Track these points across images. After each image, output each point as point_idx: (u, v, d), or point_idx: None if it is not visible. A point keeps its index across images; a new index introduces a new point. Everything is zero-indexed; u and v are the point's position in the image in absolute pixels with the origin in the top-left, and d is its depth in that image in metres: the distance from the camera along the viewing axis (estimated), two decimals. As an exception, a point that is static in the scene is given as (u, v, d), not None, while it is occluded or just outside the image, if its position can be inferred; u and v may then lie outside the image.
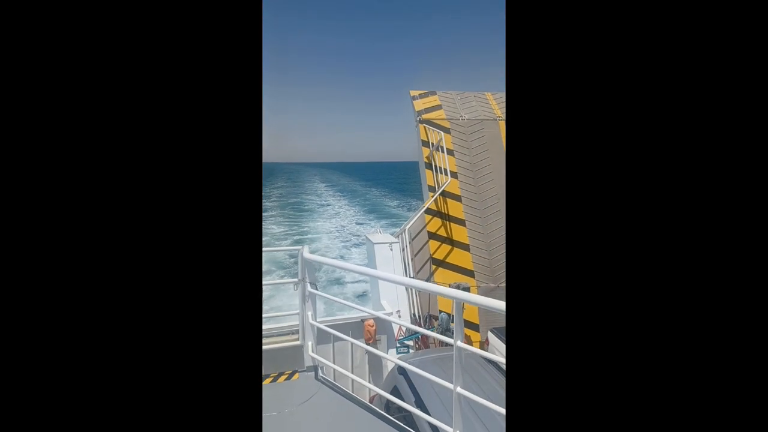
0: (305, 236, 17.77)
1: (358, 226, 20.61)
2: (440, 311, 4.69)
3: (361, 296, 10.14)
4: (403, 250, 4.57)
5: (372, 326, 3.74)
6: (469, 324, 4.74)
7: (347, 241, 16.81)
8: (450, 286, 4.78)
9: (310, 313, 2.71)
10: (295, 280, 2.72)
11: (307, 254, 2.68)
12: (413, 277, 4.58)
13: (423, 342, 4.10)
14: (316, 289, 2.72)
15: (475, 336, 4.69)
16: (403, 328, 4.04)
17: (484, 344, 4.25)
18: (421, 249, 5.10)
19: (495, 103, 6.30)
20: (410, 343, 4.00)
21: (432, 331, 4.06)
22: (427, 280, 4.91)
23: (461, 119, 5.94)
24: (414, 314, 4.25)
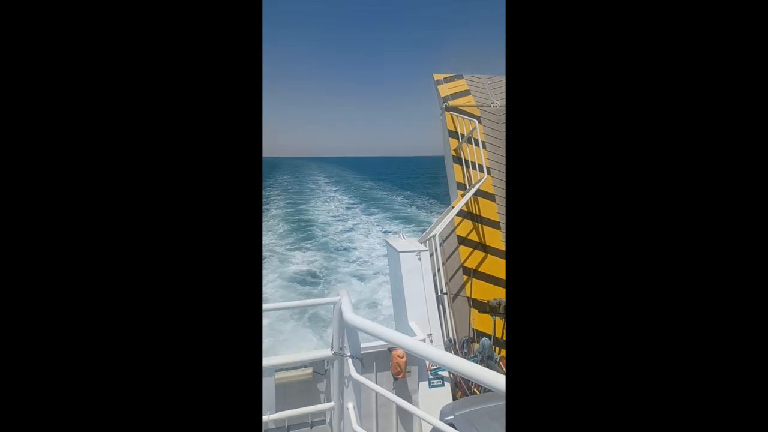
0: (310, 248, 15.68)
1: (368, 227, 19.58)
2: (475, 331, 3.99)
3: (378, 309, 9.34)
4: (432, 255, 3.84)
5: (402, 357, 3.03)
6: (506, 344, 4.05)
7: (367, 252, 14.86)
8: (488, 302, 4.07)
9: (352, 411, 1.78)
10: (327, 352, 1.89)
11: (349, 313, 1.74)
12: (444, 292, 3.87)
13: (460, 373, 3.41)
14: (362, 366, 1.79)
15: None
16: (437, 356, 3.35)
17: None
18: (450, 256, 4.38)
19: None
20: (445, 374, 3.30)
21: (474, 360, 3.37)
22: (458, 293, 4.21)
23: (493, 106, 5.20)
24: (449, 338, 3.54)
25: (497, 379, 1.15)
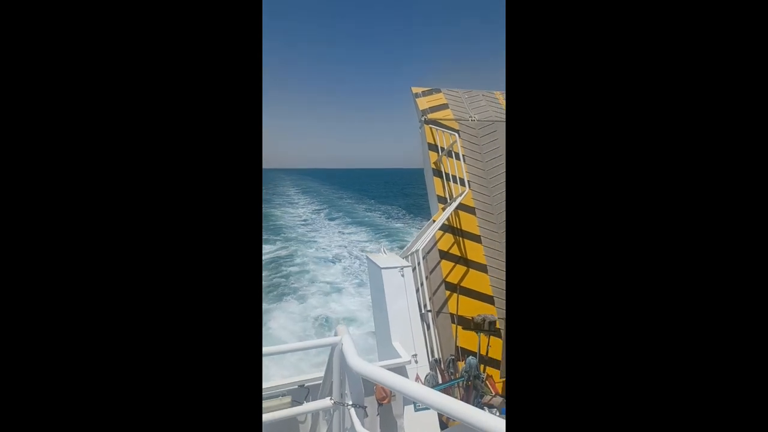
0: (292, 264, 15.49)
1: (344, 241, 19.49)
2: (460, 348, 3.88)
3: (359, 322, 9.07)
4: (414, 270, 3.72)
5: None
6: (492, 362, 3.96)
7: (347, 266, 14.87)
8: (472, 319, 3.98)
9: None
10: (327, 401, 1.65)
11: (355, 358, 1.48)
12: (428, 309, 3.75)
13: (446, 394, 3.27)
14: (365, 415, 1.56)
15: (497, 374, 3.91)
16: (422, 377, 3.20)
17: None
18: (432, 271, 4.28)
19: (505, 104, 5.62)
20: (431, 396, 3.16)
21: (461, 381, 3.25)
22: (441, 309, 4.10)
23: (471, 120, 5.22)
24: (435, 358, 3.41)
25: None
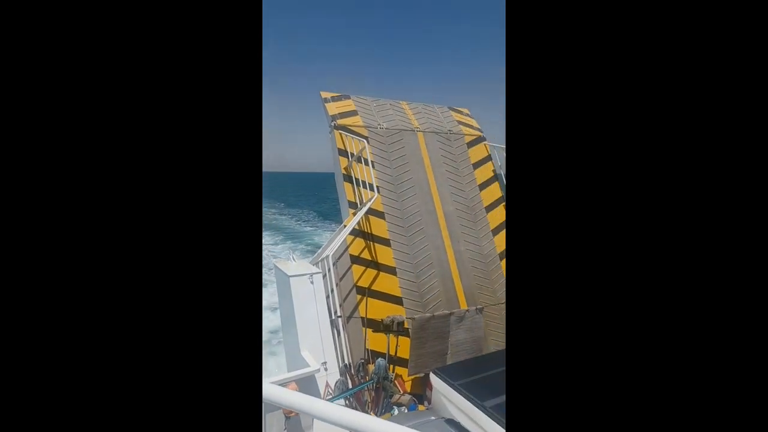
0: None
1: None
2: (370, 351, 3.94)
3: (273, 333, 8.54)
4: (325, 276, 3.68)
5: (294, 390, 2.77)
6: (401, 361, 4.10)
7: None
8: (382, 321, 4.07)
9: None
10: None
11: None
12: (338, 314, 3.73)
13: (357, 398, 3.28)
14: None
15: (405, 373, 4.07)
16: (331, 384, 3.17)
17: (425, 386, 3.64)
18: (343, 277, 4.29)
19: (411, 114, 5.92)
20: (341, 402, 3.15)
21: (371, 384, 3.29)
22: (353, 314, 4.12)
23: (380, 128, 5.38)
24: (345, 363, 3.40)
25: None
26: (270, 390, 1.43)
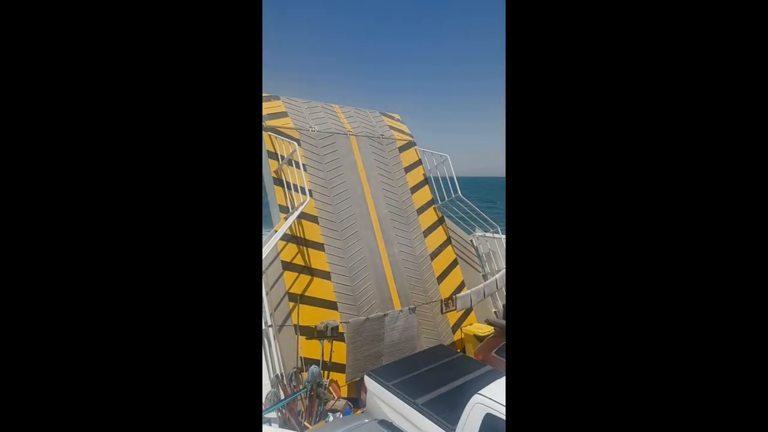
0: None
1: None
2: (303, 359, 3.85)
3: None
4: None
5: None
6: (336, 366, 4.07)
7: None
8: (315, 327, 4.00)
9: None
10: None
11: None
12: (269, 324, 3.60)
13: (290, 409, 3.18)
14: None
15: (343, 379, 4.05)
16: (263, 397, 3.04)
17: (360, 390, 3.66)
18: (275, 283, 4.13)
19: (343, 117, 5.92)
20: (273, 415, 3.03)
21: (303, 391, 3.21)
22: (285, 322, 3.99)
23: (311, 130, 5.30)
24: (276, 374, 3.28)
25: None
26: None
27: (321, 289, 4.37)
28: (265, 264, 3.90)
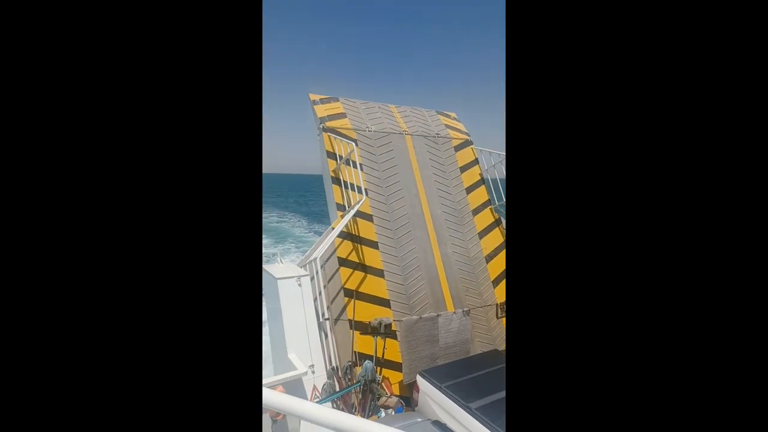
0: None
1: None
2: (357, 353, 3.94)
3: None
4: (313, 279, 3.67)
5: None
6: (388, 363, 4.11)
7: None
8: (369, 323, 4.08)
9: None
10: None
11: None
12: (326, 317, 3.73)
13: (344, 401, 3.28)
14: None
15: (395, 377, 4.08)
16: (319, 387, 3.16)
17: (412, 389, 3.66)
18: (331, 279, 4.28)
19: (399, 117, 5.96)
20: (327, 405, 3.14)
21: (358, 386, 3.29)
22: (340, 316, 4.11)
23: (368, 130, 5.40)
24: (332, 366, 3.40)
25: None
26: (301, 406, 1.45)
27: (374, 286, 4.44)
28: (322, 260, 4.05)
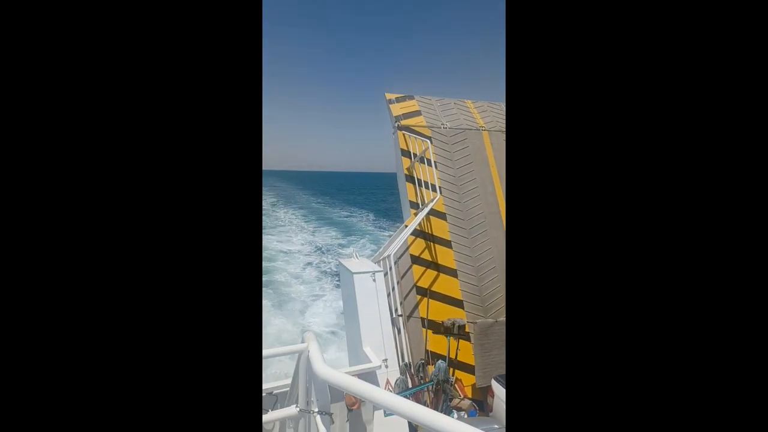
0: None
1: (317, 243, 19.28)
2: (430, 352, 3.93)
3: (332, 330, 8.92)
4: (386, 275, 3.73)
5: (356, 386, 2.86)
6: (461, 365, 4.03)
7: (312, 265, 14.89)
8: (443, 323, 4.04)
9: None
10: (293, 409, 1.59)
11: (322, 366, 1.47)
12: (399, 313, 3.77)
13: (416, 399, 3.29)
14: (331, 422, 1.57)
15: (468, 379, 3.99)
16: (392, 382, 3.21)
17: (485, 393, 3.55)
18: (403, 276, 4.32)
19: (476, 112, 5.77)
20: (401, 401, 3.17)
21: (431, 385, 3.28)
22: (412, 314, 4.14)
23: (443, 127, 5.32)
24: (405, 362, 3.43)
25: None
26: (340, 378, 1.51)
27: (447, 285, 4.38)
28: (395, 257, 4.10)
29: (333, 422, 1.63)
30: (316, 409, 1.62)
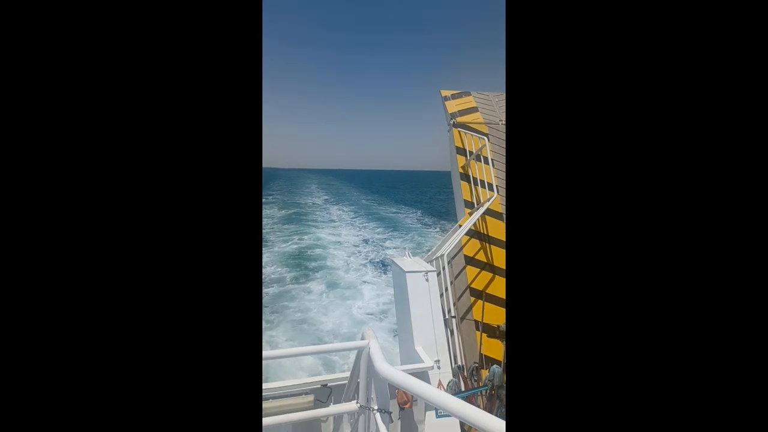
0: (308, 251, 16.46)
1: (367, 240, 19.62)
2: (484, 356, 3.81)
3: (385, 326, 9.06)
4: (439, 275, 3.67)
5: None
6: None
7: (363, 260, 15.41)
8: (498, 327, 3.90)
9: None
10: (353, 404, 1.63)
11: (383, 363, 1.46)
12: (452, 314, 3.70)
13: (469, 402, 3.21)
14: (390, 421, 1.59)
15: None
16: (444, 384, 3.15)
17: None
18: (457, 277, 4.22)
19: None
20: (453, 403, 3.11)
21: (485, 390, 3.18)
22: (466, 316, 4.03)
23: (500, 123, 5.13)
24: (458, 364, 3.36)
25: None
26: (401, 377, 1.50)
27: (503, 288, 4.22)
28: (449, 257, 4.02)
29: (392, 421, 1.63)
30: (376, 407, 1.63)
